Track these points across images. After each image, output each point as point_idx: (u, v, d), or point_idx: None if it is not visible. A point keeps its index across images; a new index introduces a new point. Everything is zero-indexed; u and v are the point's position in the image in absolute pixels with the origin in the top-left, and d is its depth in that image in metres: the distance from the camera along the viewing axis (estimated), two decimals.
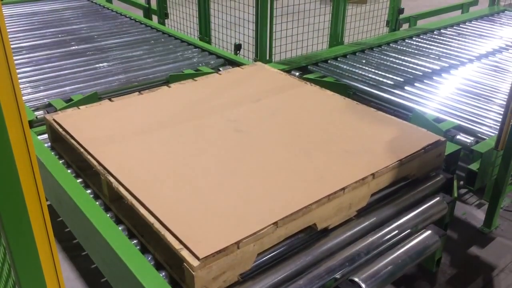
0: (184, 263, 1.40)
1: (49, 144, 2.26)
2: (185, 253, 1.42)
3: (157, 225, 1.54)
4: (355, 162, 1.88)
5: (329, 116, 2.28)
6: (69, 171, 2.04)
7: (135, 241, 1.67)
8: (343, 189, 1.72)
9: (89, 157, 1.91)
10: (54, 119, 2.18)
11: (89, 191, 1.94)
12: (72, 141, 2.03)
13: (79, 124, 2.14)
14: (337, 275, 1.64)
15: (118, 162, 1.86)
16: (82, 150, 1.96)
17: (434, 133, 2.11)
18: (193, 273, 1.37)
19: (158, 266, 1.57)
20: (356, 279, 1.64)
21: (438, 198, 2.01)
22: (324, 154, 1.94)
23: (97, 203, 1.82)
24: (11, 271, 0.94)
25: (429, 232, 1.92)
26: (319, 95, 2.52)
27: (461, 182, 2.25)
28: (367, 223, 1.81)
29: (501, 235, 2.53)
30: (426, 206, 1.97)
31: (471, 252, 2.42)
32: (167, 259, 1.57)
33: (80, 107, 2.30)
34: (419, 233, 1.91)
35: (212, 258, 1.40)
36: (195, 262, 1.39)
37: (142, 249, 1.64)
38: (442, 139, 2.07)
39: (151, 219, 1.57)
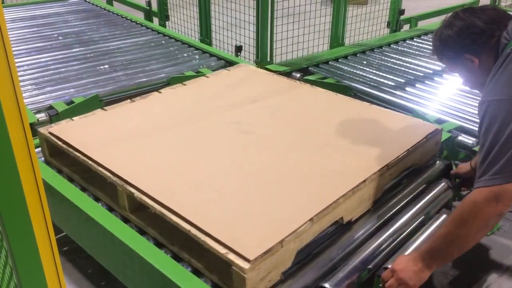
0: (233, 267, 1.40)
1: (43, 159, 2.17)
2: (232, 257, 1.41)
3: (194, 231, 1.52)
4: (367, 155, 1.94)
5: (326, 113, 2.32)
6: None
7: (163, 250, 1.65)
8: (364, 181, 1.78)
9: (100, 169, 1.85)
10: (50, 132, 2.09)
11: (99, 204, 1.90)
12: (77, 153, 1.96)
13: (80, 135, 2.06)
14: (370, 266, 1.67)
15: (134, 171, 1.81)
16: (91, 162, 1.89)
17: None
18: (245, 275, 1.38)
19: (195, 273, 1.56)
20: (390, 266, 1.65)
21: (443, 184, 2.08)
22: (335, 150, 1.98)
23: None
24: (12, 274, 0.94)
25: (444, 215, 1.96)
26: (311, 92, 2.56)
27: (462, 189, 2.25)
28: (384, 213, 1.87)
29: (504, 236, 2.52)
30: (436, 192, 2.03)
31: (473, 253, 2.41)
32: (206, 264, 1.55)
33: (74, 118, 2.22)
34: (435, 218, 1.95)
35: (260, 259, 1.41)
36: (245, 265, 1.38)
37: (174, 258, 1.61)
38: (439, 127, 2.18)
39: (186, 226, 1.55)
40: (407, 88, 2.93)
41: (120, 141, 2.03)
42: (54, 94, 2.78)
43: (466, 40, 1.57)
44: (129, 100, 2.42)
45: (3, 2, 4.93)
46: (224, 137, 2.09)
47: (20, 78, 2.92)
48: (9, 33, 0.75)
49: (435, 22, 4.36)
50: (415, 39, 3.92)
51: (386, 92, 2.88)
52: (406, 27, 4.34)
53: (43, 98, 2.72)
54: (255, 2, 3.33)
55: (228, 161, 1.91)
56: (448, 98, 2.78)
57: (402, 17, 4.28)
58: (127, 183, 1.75)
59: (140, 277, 1.66)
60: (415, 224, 1.88)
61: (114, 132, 2.11)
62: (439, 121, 2.50)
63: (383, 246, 1.74)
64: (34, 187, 0.83)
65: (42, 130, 2.12)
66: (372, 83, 3.02)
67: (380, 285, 1.61)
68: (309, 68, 3.30)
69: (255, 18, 3.36)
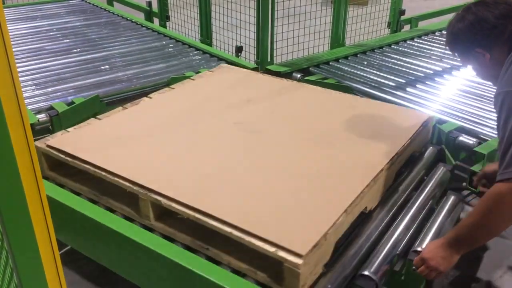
0: (285, 264, 1.42)
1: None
2: (283, 254, 1.43)
3: (236, 233, 1.52)
4: (376, 146, 2.02)
5: (321, 108, 2.39)
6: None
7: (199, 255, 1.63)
8: (382, 170, 1.85)
9: (116, 179, 1.79)
10: (49, 146, 1.99)
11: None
12: (86, 165, 1.88)
13: (83, 146, 1.97)
14: (397, 251, 1.72)
15: (155, 178, 1.76)
16: (104, 173, 1.82)
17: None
18: (299, 271, 1.40)
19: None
20: (419, 249, 1.70)
21: (442, 167, 2.17)
22: (346, 144, 2.05)
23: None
24: (13, 274, 0.94)
25: (452, 197, 2.04)
26: (300, 89, 2.62)
27: (464, 184, 2.25)
28: (397, 199, 1.93)
29: (505, 236, 2.52)
30: (438, 176, 2.12)
31: (474, 253, 2.41)
32: (249, 264, 1.55)
33: (68, 129, 2.14)
34: (445, 200, 2.02)
35: (310, 254, 1.44)
36: (298, 260, 1.41)
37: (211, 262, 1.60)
38: (431, 116, 2.34)
39: (226, 228, 1.54)
40: (407, 89, 2.93)
41: (129, 149, 1.98)
42: (55, 94, 2.77)
43: (477, 35, 1.57)
44: (120, 108, 2.35)
45: (4, 3, 4.94)
46: (233, 138, 2.09)
47: (20, 79, 2.91)
48: (9, 33, 0.75)
49: (436, 23, 4.36)
50: (415, 40, 3.92)
51: (387, 93, 2.88)
52: (406, 27, 4.34)
53: (43, 98, 2.72)
54: (255, 2, 3.33)
55: (246, 161, 1.91)
56: (448, 98, 2.78)
57: (402, 17, 4.28)
58: (151, 191, 1.70)
59: (179, 285, 1.62)
60: (427, 207, 1.96)
61: (119, 140, 2.04)
62: (440, 122, 2.50)
63: (406, 231, 1.81)
64: (34, 187, 0.83)
65: (39, 144, 2.01)
66: (372, 84, 3.02)
67: (413, 267, 1.66)
68: (310, 69, 3.30)
69: (255, 18, 3.36)
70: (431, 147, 2.28)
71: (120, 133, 2.11)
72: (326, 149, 2.01)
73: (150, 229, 1.74)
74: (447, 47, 1.72)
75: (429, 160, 2.21)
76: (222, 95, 2.52)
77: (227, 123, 2.21)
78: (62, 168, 2.01)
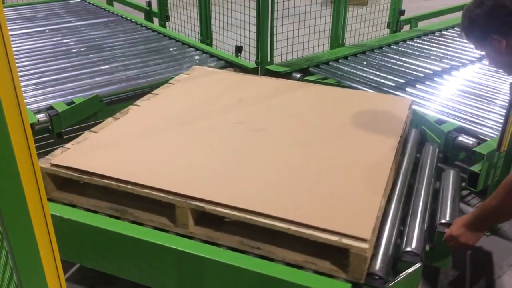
0: (351, 250, 1.45)
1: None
2: (348, 241, 1.47)
3: (294, 227, 1.54)
4: (381, 132, 2.12)
5: (312, 104, 2.43)
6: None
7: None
8: (396, 153, 1.97)
9: (146, 190, 1.71)
10: (55, 164, 1.86)
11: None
12: (107, 180, 1.78)
13: (94, 161, 1.87)
14: (425, 228, 1.80)
15: (188, 184, 1.71)
16: (131, 186, 1.74)
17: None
18: (366, 255, 1.44)
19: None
20: (444, 221, 1.82)
21: (432, 146, 2.31)
22: (352, 135, 2.13)
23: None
24: (13, 274, 0.94)
25: (452, 172, 2.16)
26: (285, 85, 2.67)
27: (464, 184, 2.25)
28: (404, 180, 2.01)
29: (504, 236, 2.52)
30: (432, 153, 2.25)
31: (474, 253, 2.41)
32: (307, 257, 1.57)
33: (66, 145, 2.01)
34: (446, 174, 2.15)
35: (371, 238, 1.49)
36: (365, 245, 1.45)
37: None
38: (411, 100, 2.54)
39: (282, 225, 1.55)
40: (407, 89, 2.93)
41: (143, 158, 1.90)
42: (54, 94, 2.77)
43: (494, 20, 1.57)
44: (111, 118, 2.26)
45: (3, 2, 4.93)
46: (241, 137, 2.09)
47: (20, 78, 2.91)
48: (9, 33, 0.75)
49: (436, 23, 4.36)
50: (415, 40, 3.92)
51: (386, 93, 2.88)
52: (406, 27, 4.34)
53: (43, 98, 2.72)
54: (255, 2, 3.33)
55: (264, 158, 1.92)
56: (448, 98, 2.78)
57: (402, 17, 4.28)
58: (191, 198, 1.66)
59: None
60: (431, 182, 2.07)
61: (128, 151, 1.96)
62: (439, 122, 2.50)
63: (425, 208, 1.89)
64: (34, 186, 0.83)
65: (42, 164, 1.86)
66: (372, 84, 3.02)
67: (443, 239, 1.77)
68: (310, 69, 3.30)
69: (255, 18, 3.36)
70: (414, 129, 2.41)
71: (125, 143, 2.03)
72: (337, 142, 2.06)
73: (189, 237, 1.69)
74: (462, 33, 1.72)
75: (417, 141, 2.34)
76: (212, 96, 2.50)
77: (228, 123, 2.21)
78: (67, 187, 1.90)
